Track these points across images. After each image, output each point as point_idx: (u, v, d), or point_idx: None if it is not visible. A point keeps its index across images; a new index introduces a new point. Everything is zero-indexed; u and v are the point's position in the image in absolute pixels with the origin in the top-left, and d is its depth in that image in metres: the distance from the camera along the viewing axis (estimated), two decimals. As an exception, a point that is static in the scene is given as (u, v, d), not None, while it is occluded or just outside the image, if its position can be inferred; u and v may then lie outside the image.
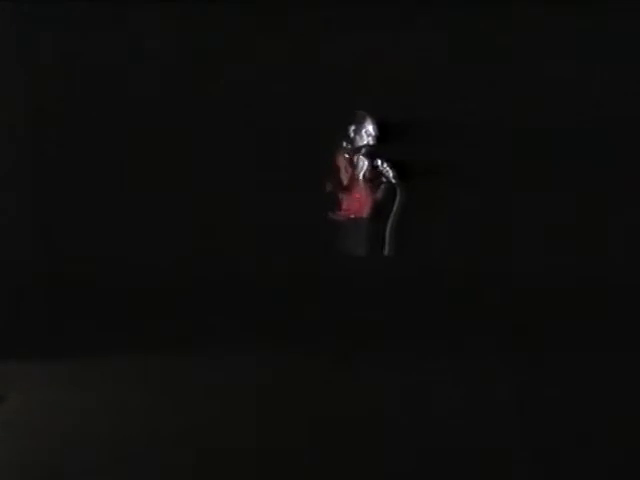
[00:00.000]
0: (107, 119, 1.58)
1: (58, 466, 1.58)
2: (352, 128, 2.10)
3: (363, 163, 2.28)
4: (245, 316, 1.72)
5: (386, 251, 2.08)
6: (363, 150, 2.18)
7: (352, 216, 2.20)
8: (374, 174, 2.23)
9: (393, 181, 2.15)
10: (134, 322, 1.66)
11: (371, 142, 2.18)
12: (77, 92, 1.56)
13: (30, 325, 1.70)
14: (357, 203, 2.27)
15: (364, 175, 2.23)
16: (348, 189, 2.29)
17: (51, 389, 1.76)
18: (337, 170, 2.09)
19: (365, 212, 2.20)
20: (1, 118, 1.53)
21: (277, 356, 1.74)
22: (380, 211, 2.01)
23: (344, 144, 2.01)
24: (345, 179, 2.28)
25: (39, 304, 1.68)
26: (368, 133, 2.23)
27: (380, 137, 2.06)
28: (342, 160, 2.27)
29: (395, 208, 2.03)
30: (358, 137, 2.19)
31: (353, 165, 2.28)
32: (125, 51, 1.57)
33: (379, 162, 2.17)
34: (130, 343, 1.66)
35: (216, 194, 1.70)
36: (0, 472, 1.59)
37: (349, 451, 1.61)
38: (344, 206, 2.22)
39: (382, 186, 2.16)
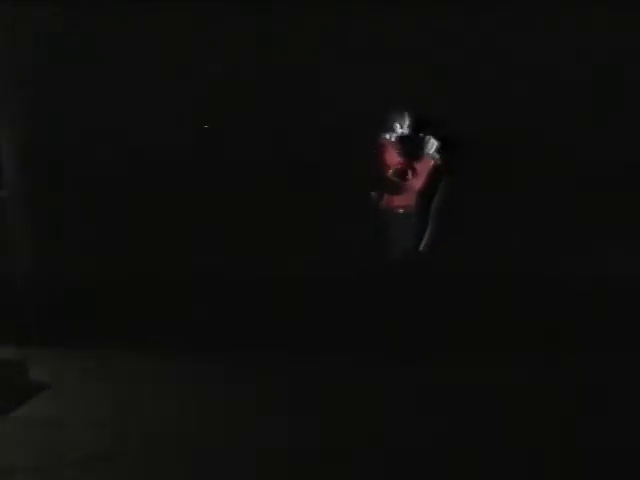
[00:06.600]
0: (109, 119, 1.58)
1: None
2: (398, 121, 2.12)
3: (411, 153, 2.24)
4: (249, 316, 1.71)
5: (422, 245, 2.06)
6: (408, 142, 2.18)
7: (397, 207, 2.18)
8: (420, 165, 2.22)
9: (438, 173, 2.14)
10: (136, 321, 1.67)
11: (411, 133, 2.17)
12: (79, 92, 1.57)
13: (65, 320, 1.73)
14: (404, 193, 2.25)
15: (410, 166, 2.21)
16: (395, 180, 2.25)
17: (89, 381, 1.79)
18: (382, 162, 2.09)
19: (411, 203, 2.17)
20: (2, 118, 1.55)
21: (285, 355, 1.73)
22: (424, 204, 2.00)
23: (388, 136, 2.02)
24: (392, 170, 2.25)
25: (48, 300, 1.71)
26: (410, 126, 2.22)
27: (421, 133, 2.09)
28: (388, 150, 2.24)
29: (435, 203, 2.01)
30: (403, 130, 2.19)
31: (399, 155, 2.24)
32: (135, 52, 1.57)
33: (427, 145, 2.16)
34: (130, 342, 1.67)
35: (231, 195, 1.69)
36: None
37: (352, 451, 1.60)
38: (389, 198, 2.20)
39: (427, 176, 2.15)
